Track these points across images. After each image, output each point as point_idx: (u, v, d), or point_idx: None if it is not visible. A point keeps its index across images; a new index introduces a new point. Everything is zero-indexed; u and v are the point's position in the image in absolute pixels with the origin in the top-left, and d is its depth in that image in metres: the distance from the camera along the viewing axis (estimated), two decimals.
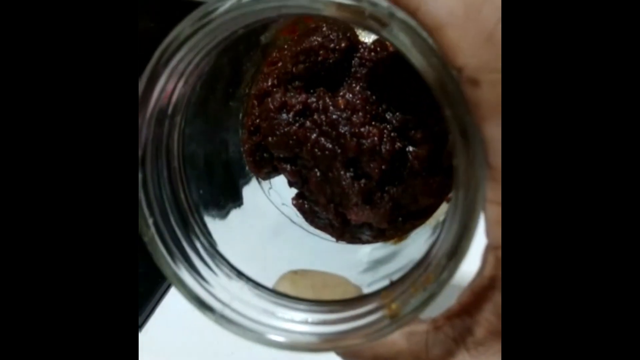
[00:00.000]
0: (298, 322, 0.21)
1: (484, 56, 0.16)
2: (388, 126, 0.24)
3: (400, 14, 0.17)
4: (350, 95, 0.24)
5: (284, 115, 0.25)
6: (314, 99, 0.25)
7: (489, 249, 0.19)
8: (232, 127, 0.28)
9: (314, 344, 0.20)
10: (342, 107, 0.24)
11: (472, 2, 0.16)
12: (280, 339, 0.21)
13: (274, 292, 0.23)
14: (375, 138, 0.24)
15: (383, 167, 0.24)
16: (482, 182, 0.17)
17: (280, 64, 0.26)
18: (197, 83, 0.23)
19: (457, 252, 0.18)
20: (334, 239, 0.28)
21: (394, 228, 0.26)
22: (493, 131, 0.17)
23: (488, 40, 0.16)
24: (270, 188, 0.29)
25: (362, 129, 0.24)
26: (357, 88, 0.25)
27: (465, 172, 0.17)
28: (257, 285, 0.23)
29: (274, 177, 0.28)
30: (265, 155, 0.27)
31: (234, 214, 0.28)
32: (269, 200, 0.29)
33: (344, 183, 0.24)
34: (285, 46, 0.26)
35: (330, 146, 0.24)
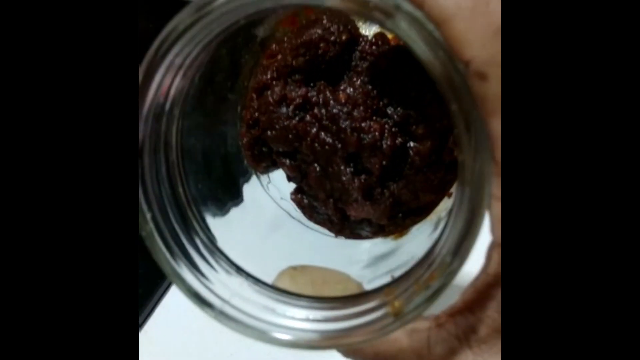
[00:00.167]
0: (299, 319, 0.21)
1: (492, 49, 0.16)
2: (389, 121, 0.24)
3: (407, 6, 0.17)
4: (351, 90, 0.24)
5: (284, 109, 0.25)
6: (314, 93, 0.25)
7: (493, 246, 0.19)
8: (230, 120, 0.27)
9: (315, 341, 0.20)
10: (343, 101, 0.24)
11: None
12: (281, 336, 0.20)
13: (274, 288, 0.23)
14: (377, 133, 0.23)
15: (384, 162, 0.24)
16: (488, 179, 0.17)
17: (279, 57, 0.26)
18: (195, 75, 0.23)
19: (461, 249, 0.18)
20: (333, 234, 0.28)
21: (393, 224, 0.26)
22: (500, 126, 0.16)
23: (497, 33, 0.16)
24: (268, 182, 0.29)
25: (363, 124, 0.23)
26: (358, 82, 0.24)
27: (471, 168, 0.17)
28: (256, 281, 0.23)
29: (272, 171, 0.28)
30: (264, 149, 0.26)
31: (233, 208, 0.27)
32: (267, 194, 0.29)
33: (344, 178, 0.24)
34: (285, 38, 0.26)
35: (330, 141, 0.24)
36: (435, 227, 0.24)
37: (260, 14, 0.21)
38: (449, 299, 0.20)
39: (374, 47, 0.24)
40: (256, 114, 0.26)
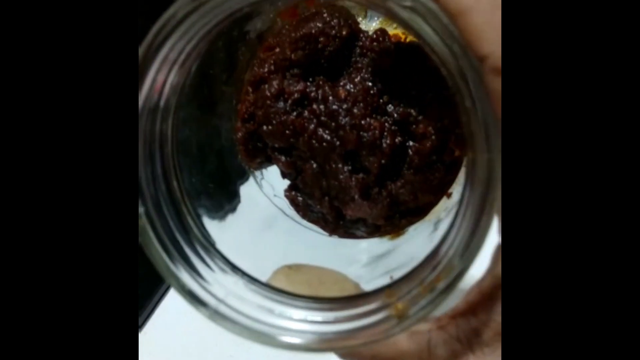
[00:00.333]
0: (296, 320, 0.21)
1: None
2: (389, 119, 0.23)
3: None
4: (351, 86, 0.24)
5: (281, 104, 0.24)
6: (312, 88, 0.24)
7: (501, 247, 0.18)
8: (225, 113, 0.27)
9: (315, 343, 0.19)
10: (343, 97, 0.23)
11: None
12: (278, 338, 0.20)
13: (270, 287, 0.22)
14: (377, 131, 0.23)
15: (383, 161, 0.23)
16: (498, 178, 0.16)
17: (277, 50, 0.25)
18: (192, 66, 0.22)
19: (469, 250, 0.17)
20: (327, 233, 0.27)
21: (390, 224, 0.25)
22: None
23: None
24: (262, 178, 0.28)
25: (363, 122, 0.23)
26: (358, 78, 0.24)
27: (483, 168, 0.16)
28: (252, 279, 0.22)
29: (266, 167, 0.27)
30: (258, 144, 0.26)
31: (227, 204, 0.27)
32: (260, 191, 0.28)
33: (341, 176, 0.24)
34: (283, 31, 0.25)
35: (328, 138, 0.23)
36: (435, 228, 0.24)
37: (260, 4, 0.20)
38: (450, 301, 0.20)
39: (374, 43, 0.24)
40: (252, 108, 0.25)
